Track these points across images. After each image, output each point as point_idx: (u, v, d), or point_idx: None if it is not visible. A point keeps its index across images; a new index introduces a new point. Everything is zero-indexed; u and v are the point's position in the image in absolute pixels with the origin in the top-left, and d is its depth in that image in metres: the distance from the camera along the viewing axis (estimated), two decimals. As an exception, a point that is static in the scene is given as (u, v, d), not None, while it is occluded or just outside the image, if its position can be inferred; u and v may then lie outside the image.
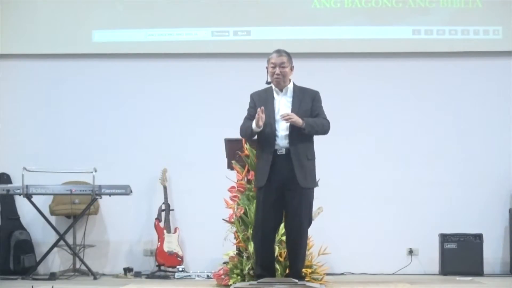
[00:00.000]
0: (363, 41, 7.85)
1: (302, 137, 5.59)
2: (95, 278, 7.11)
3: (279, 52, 5.70)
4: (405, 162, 7.75)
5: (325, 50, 7.83)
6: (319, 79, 7.53)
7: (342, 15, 7.84)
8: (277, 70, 5.63)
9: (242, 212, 6.07)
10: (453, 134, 7.82)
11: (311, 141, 5.70)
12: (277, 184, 5.58)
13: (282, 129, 5.60)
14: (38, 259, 7.50)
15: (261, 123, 5.52)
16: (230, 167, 6.27)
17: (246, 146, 6.08)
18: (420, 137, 7.80)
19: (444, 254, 7.43)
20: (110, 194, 7.22)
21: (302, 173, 5.57)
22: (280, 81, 5.66)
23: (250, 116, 5.69)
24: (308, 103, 5.69)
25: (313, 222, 5.94)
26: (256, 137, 5.71)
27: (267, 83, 5.72)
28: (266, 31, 7.84)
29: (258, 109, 5.53)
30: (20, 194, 7.17)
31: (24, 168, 7.13)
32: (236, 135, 6.07)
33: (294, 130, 5.57)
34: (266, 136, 5.61)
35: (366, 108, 7.82)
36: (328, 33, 7.86)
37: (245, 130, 5.68)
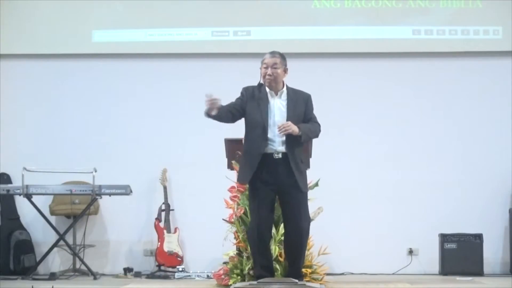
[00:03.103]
0: (363, 41, 7.85)
1: (297, 141, 5.59)
2: (95, 278, 7.11)
3: (272, 53, 5.68)
4: (405, 162, 7.75)
5: (325, 50, 7.83)
6: (319, 79, 7.55)
7: (342, 15, 7.84)
8: (269, 71, 5.61)
9: (242, 212, 6.07)
10: (453, 134, 7.82)
11: (302, 145, 5.70)
12: (273, 187, 5.57)
13: (277, 133, 5.57)
14: (38, 259, 7.50)
15: (213, 113, 5.46)
16: (230, 167, 6.27)
17: (246, 146, 6.08)
18: (420, 137, 7.80)
19: (444, 254, 7.43)
20: (110, 194, 7.22)
21: (301, 177, 5.59)
22: (271, 82, 5.63)
23: (235, 103, 5.65)
24: (301, 106, 5.69)
25: (313, 222, 5.94)
26: (245, 132, 5.71)
27: (259, 84, 5.66)
28: (266, 31, 7.84)
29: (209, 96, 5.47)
30: (20, 194, 7.17)
31: (24, 168, 7.13)
32: (236, 135, 6.08)
33: (290, 134, 5.56)
34: (258, 137, 5.59)
35: (366, 108, 7.82)
36: (328, 33, 7.86)
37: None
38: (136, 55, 7.92)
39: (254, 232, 5.63)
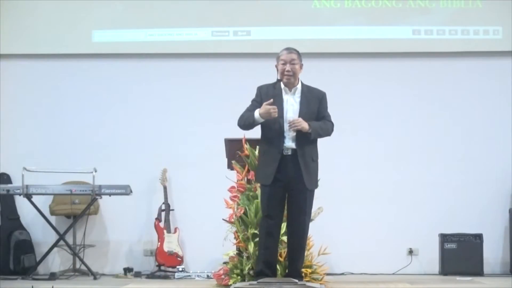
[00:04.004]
0: (363, 41, 7.85)
1: (308, 138, 5.61)
2: (95, 278, 7.11)
3: (289, 49, 5.69)
4: (405, 162, 7.75)
5: (325, 50, 7.82)
6: (319, 79, 7.47)
7: (342, 15, 7.84)
8: (287, 67, 5.61)
9: (242, 212, 6.06)
10: (453, 134, 7.82)
11: (315, 143, 5.72)
12: (282, 183, 5.59)
13: (288, 129, 5.59)
14: (38, 259, 7.50)
15: (274, 115, 5.51)
16: (230, 167, 6.27)
17: (246, 146, 6.08)
18: (420, 137, 7.80)
19: (444, 254, 7.43)
20: (110, 194, 7.22)
21: (308, 175, 5.59)
22: (290, 78, 5.63)
23: (254, 108, 5.66)
24: (315, 104, 5.69)
25: (313, 222, 5.94)
26: (261, 131, 5.70)
27: (278, 80, 5.66)
28: (266, 31, 7.85)
29: (268, 103, 5.50)
30: (20, 194, 7.17)
31: (24, 168, 7.13)
32: (236, 135, 6.08)
33: (300, 131, 5.57)
34: (275, 134, 5.59)
35: (366, 108, 7.82)
36: (328, 33, 7.87)
37: (246, 118, 5.63)
38: (136, 55, 7.92)
39: (263, 226, 5.64)
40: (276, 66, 5.71)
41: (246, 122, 5.64)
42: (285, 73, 5.62)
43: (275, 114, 5.52)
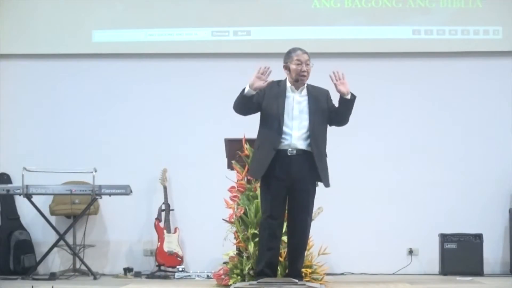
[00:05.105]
0: (363, 41, 7.85)
1: (321, 135, 5.61)
2: (95, 278, 7.11)
3: (302, 50, 5.66)
4: (405, 162, 7.75)
5: (325, 50, 7.81)
6: (319, 79, 7.52)
7: (342, 15, 7.85)
8: (304, 67, 5.60)
9: (242, 212, 6.06)
10: (453, 134, 7.82)
11: (325, 137, 5.69)
12: (285, 183, 5.55)
13: (296, 128, 5.57)
14: (38, 259, 7.50)
15: (256, 85, 5.46)
16: (230, 167, 6.27)
17: (246, 146, 6.08)
18: (420, 137, 7.81)
19: (444, 254, 7.43)
20: (110, 194, 7.22)
21: (323, 173, 5.59)
22: (304, 79, 5.63)
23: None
24: (323, 102, 5.68)
25: (313, 222, 5.94)
26: (259, 127, 5.67)
27: (296, 80, 5.63)
28: (266, 31, 7.85)
29: (262, 69, 5.48)
30: (20, 194, 7.17)
31: (24, 168, 7.13)
32: (237, 135, 6.08)
33: (314, 129, 5.55)
34: (272, 131, 5.54)
35: (366, 108, 7.78)
36: (328, 33, 7.87)
37: (237, 96, 5.58)
38: (136, 55, 7.92)
39: (265, 227, 5.61)
40: (285, 65, 5.65)
41: (237, 100, 5.58)
42: (301, 73, 5.60)
43: (263, 83, 5.46)
